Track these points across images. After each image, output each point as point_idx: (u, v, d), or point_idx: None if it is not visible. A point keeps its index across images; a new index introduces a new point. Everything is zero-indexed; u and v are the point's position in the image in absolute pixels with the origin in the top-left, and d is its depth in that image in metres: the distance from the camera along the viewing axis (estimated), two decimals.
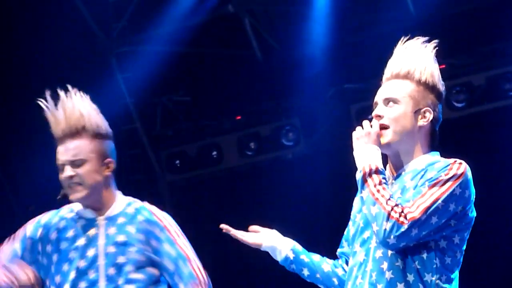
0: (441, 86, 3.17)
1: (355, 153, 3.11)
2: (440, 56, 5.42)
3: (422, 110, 3.05)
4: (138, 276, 3.43)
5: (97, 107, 6.36)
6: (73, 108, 3.48)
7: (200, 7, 7.15)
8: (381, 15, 6.84)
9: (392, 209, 2.92)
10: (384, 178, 3.01)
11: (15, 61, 7.17)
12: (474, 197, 3.00)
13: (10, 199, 7.56)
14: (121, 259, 3.41)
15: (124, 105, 7.61)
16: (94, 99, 4.68)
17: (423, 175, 3.00)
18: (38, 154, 6.58)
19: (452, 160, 3.02)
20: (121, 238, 3.42)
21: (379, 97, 3.10)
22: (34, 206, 6.46)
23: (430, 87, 3.12)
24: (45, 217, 3.53)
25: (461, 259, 3.02)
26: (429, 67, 3.16)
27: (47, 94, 3.48)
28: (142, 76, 7.49)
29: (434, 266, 2.96)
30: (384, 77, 3.13)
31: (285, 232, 6.11)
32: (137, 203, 3.52)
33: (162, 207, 3.63)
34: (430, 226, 2.92)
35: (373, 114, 3.08)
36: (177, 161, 7.58)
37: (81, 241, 3.41)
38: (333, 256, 3.21)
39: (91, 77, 7.12)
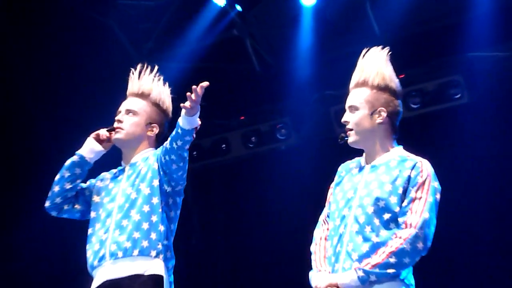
0: (394, 84, 3.28)
1: None
2: (400, 67, 5.84)
3: (377, 110, 3.22)
4: None
5: None
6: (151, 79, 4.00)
7: (211, 31, 7.46)
8: (353, 37, 7.04)
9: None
10: None
11: (73, 74, 7.39)
12: None
13: None
14: None
15: None
16: None
17: (398, 175, 3.15)
18: None
19: (417, 159, 3.21)
20: None
21: (346, 105, 3.32)
22: None
23: (382, 88, 3.26)
24: None
25: None
26: (380, 71, 3.28)
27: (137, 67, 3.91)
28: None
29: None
30: (350, 86, 3.35)
31: (276, 203, 7.23)
32: None
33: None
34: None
35: (342, 120, 3.32)
36: (194, 152, 7.74)
37: None
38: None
39: (127, 84, 7.61)
